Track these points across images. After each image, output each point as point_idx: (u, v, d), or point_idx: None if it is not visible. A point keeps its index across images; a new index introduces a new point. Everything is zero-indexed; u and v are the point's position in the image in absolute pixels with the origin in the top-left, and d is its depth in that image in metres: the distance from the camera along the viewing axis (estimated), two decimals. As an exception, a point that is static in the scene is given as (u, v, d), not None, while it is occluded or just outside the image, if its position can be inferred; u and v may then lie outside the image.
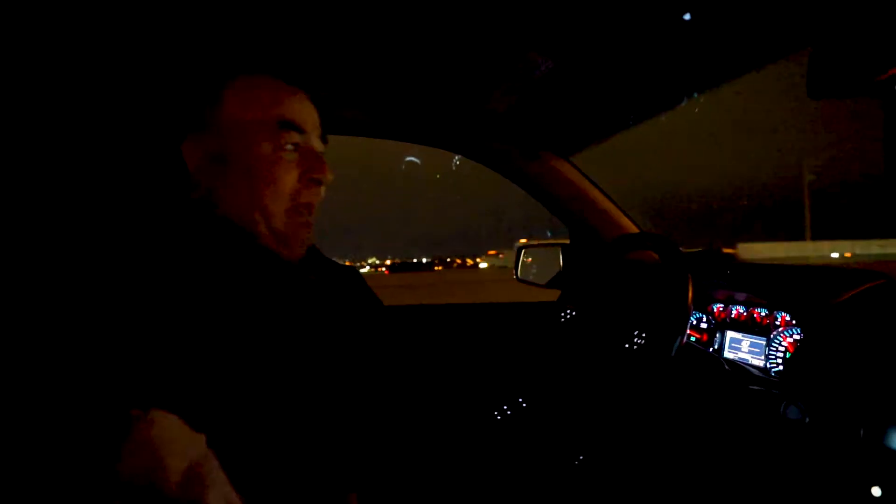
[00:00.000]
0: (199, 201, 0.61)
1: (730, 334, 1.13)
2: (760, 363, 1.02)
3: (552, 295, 1.35)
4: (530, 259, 1.50)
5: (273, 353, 0.54)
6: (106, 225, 0.64)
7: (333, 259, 0.76)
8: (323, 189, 0.65)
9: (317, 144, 0.65)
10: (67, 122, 0.73)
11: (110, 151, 0.72)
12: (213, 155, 0.60)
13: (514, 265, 1.55)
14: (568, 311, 1.26)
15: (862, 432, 0.68)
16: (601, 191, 1.43)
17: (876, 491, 0.63)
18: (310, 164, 0.62)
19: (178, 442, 0.42)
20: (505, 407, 0.89)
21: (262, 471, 0.50)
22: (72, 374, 0.45)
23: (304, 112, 0.63)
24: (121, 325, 0.48)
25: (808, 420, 0.75)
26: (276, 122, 0.60)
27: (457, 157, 1.42)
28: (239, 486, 0.44)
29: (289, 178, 0.61)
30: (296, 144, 0.62)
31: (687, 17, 0.78)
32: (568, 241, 1.47)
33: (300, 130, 0.62)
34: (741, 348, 1.09)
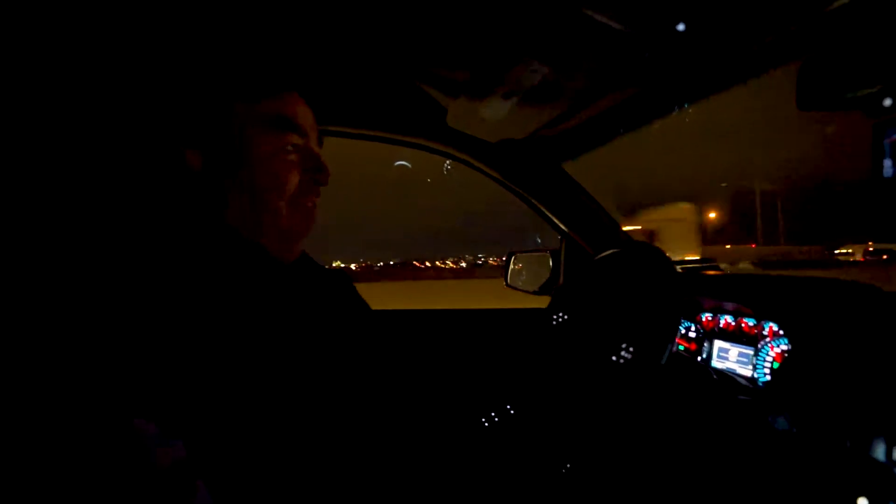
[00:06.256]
0: (202, 206, 0.61)
1: (718, 344, 1.13)
2: (748, 373, 1.02)
3: (538, 301, 1.35)
4: (520, 265, 1.50)
5: (263, 356, 0.53)
6: (105, 228, 0.63)
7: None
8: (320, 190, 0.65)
9: (315, 147, 0.65)
10: (71, 125, 0.71)
11: (113, 156, 0.71)
12: (218, 159, 0.60)
13: (503, 271, 1.55)
14: (560, 316, 1.26)
15: (848, 443, 0.69)
16: (593, 199, 1.43)
17: (862, 502, 0.63)
18: (310, 166, 0.63)
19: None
20: (493, 413, 0.88)
21: (245, 473, 0.49)
22: (65, 373, 0.44)
23: (302, 113, 0.63)
24: (113, 326, 0.47)
25: (795, 431, 0.75)
26: (276, 123, 0.60)
27: (448, 162, 1.42)
28: (223, 489, 0.43)
29: (292, 179, 0.61)
30: (296, 146, 0.62)
31: (681, 27, 0.79)
32: (558, 248, 1.48)
33: (301, 132, 0.62)
34: (729, 358, 1.09)
